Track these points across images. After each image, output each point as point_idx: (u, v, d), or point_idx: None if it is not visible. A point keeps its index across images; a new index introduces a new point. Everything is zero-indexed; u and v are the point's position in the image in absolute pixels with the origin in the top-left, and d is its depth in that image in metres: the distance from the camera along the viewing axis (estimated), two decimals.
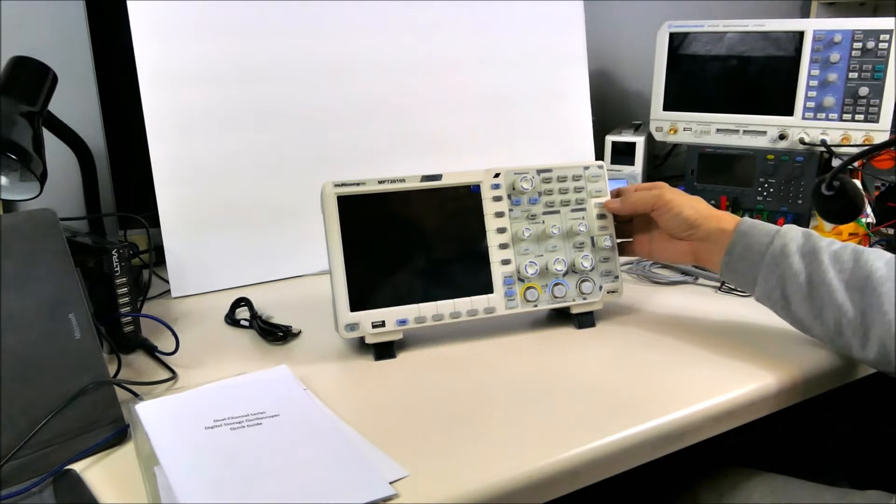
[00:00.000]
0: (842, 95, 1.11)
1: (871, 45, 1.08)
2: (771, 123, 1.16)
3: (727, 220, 0.78)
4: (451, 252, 0.79)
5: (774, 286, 0.72)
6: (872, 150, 0.94)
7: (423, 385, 0.71)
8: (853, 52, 1.09)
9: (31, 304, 0.60)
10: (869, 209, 1.00)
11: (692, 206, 0.79)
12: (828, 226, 1.05)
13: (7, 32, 1.05)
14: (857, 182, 1.04)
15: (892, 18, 1.06)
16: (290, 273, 1.04)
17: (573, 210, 0.83)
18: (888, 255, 0.68)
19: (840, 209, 0.80)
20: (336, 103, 1.07)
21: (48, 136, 0.91)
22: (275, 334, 0.82)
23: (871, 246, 0.95)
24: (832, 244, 0.71)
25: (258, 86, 1.02)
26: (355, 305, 0.75)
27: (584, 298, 0.82)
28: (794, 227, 0.74)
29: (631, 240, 0.87)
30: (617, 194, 0.86)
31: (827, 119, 1.12)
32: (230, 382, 0.71)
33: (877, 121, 1.09)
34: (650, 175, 1.37)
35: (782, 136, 1.15)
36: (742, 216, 1.16)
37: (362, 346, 0.78)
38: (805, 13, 1.33)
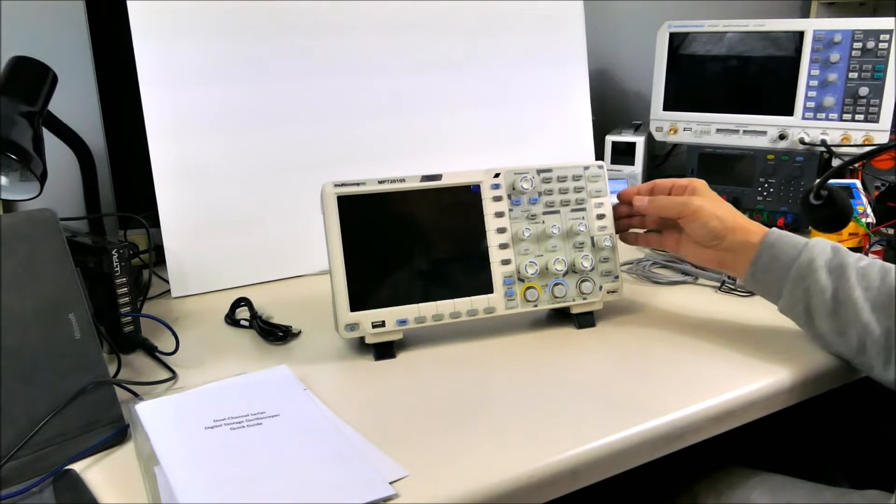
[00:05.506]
0: (842, 95, 1.11)
1: (871, 45, 1.08)
2: (771, 123, 1.16)
3: (754, 231, 0.76)
4: (451, 252, 0.79)
5: (799, 300, 0.72)
6: (867, 156, 0.93)
7: (423, 385, 0.72)
8: (853, 52, 1.09)
9: (31, 304, 0.60)
10: (869, 209, 0.99)
11: (719, 216, 0.77)
12: None
13: (7, 32, 1.06)
14: (858, 182, 1.04)
15: (892, 18, 1.06)
16: (290, 273, 1.04)
17: (573, 210, 0.83)
18: None
19: (828, 218, 0.79)
20: (336, 103, 1.07)
21: (48, 136, 0.91)
22: (275, 334, 0.82)
23: (870, 246, 0.95)
24: (860, 260, 0.70)
25: (258, 86, 1.02)
26: (355, 305, 0.75)
27: (584, 298, 0.82)
28: (823, 240, 0.73)
29: (659, 231, 0.86)
30: (651, 188, 0.84)
31: (827, 119, 1.12)
32: (230, 382, 0.71)
33: (877, 121, 1.09)
34: (650, 175, 1.37)
35: (782, 136, 1.15)
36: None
37: (362, 346, 0.78)
38: (805, 13, 1.33)
